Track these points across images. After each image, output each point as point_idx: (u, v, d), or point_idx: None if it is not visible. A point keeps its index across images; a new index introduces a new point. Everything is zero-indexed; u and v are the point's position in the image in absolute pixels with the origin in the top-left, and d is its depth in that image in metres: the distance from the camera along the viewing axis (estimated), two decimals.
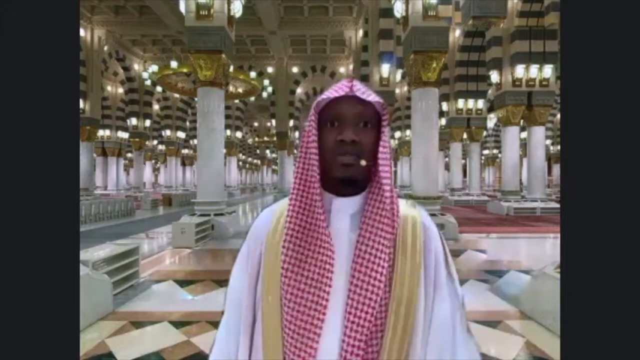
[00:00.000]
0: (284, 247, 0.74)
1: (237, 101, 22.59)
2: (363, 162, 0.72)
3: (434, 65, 8.68)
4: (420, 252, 0.75)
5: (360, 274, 0.71)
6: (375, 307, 0.70)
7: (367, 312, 0.70)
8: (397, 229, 0.74)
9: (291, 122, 22.33)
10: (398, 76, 14.43)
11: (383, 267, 0.71)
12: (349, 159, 0.71)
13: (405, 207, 0.79)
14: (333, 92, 0.73)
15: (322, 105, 0.74)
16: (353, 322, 0.70)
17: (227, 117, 17.41)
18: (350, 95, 0.73)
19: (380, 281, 0.70)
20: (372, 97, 0.73)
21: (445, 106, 17.70)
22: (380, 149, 0.73)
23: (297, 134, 24.17)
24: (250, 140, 44.89)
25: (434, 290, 0.75)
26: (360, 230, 0.74)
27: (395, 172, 31.51)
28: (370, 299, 0.70)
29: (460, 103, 17.71)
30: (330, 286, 0.71)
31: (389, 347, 0.70)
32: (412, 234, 0.76)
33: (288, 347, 0.71)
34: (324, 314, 0.70)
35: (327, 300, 0.70)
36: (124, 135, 23.64)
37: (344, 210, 0.76)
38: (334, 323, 0.71)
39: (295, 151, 22.65)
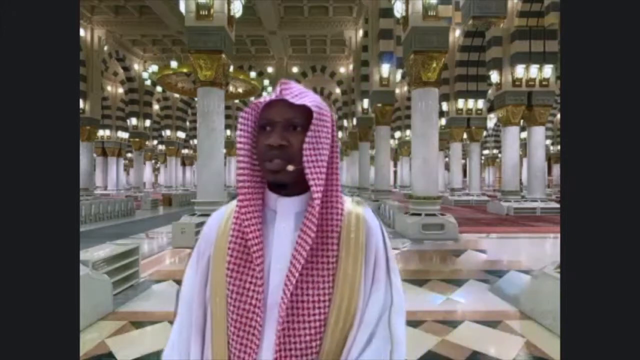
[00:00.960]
0: (229, 248, 0.77)
1: (237, 101, 22.58)
2: (289, 167, 0.73)
3: (434, 65, 8.68)
4: (363, 249, 0.76)
5: (291, 273, 0.73)
6: (288, 299, 0.73)
7: (283, 299, 0.73)
8: (339, 227, 0.76)
9: None
10: (398, 76, 14.42)
11: (301, 263, 0.72)
12: (276, 165, 0.72)
13: (350, 205, 0.81)
14: (267, 96, 0.76)
15: (254, 110, 0.77)
16: (288, 321, 0.72)
17: (227, 117, 17.42)
18: (281, 99, 0.73)
19: (321, 277, 0.74)
20: (302, 100, 0.73)
21: (445, 106, 17.69)
22: (304, 151, 0.72)
23: None
24: None
25: (371, 287, 0.77)
26: (299, 230, 0.75)
27: (395, 172, 31.55)
28: (293, 291, 0.73)
29: (460, 103, 17.70)
30: (261, 285, 0.73)
31: (328, 343, 0.72)
32: (355, 231, 0.77)
33: (233, 346, 0.74)
34: (262, 311, 0.73)
35: (259, 299, 0.73)
36: (124, 135, 23.63)
37: (288, 210, 0.78)
38: (274, 322, 0.73)
39: None
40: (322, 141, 0.74)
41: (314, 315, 0.72)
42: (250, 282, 0.74)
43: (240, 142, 0.76)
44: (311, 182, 0.72)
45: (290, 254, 0.74)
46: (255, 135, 0.77)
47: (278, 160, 0.72)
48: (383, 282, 0.77)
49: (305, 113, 0.73)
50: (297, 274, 0.72)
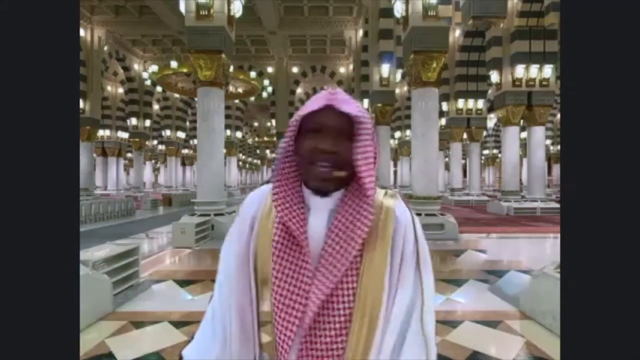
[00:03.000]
0: (274, 240, 0.79)
1: (237, 101, 22.59)
2: (339, 173, 0.76)
3: (434, 65, 8.68)
4: (389, 242, 0.77)
5: (322, 265, 0.75)
6: (321, 296, 0.75)
7: (319, 290, 0.75)
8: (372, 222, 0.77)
9: None
10: (398, 76, 14.42)
11: (350, 257, 0.75)
12: (326, 173, 0.75)
13: (382, 197, 0.81)
14: (315, 103, 0.76)
15: (304, 113, 0.76)
16: (323, 308, 0.75)
17: (227, 117, 17.40)
18: (330, 105, 0.75)
19: (340, 270, 0.75)
20: (350, 108, 0.75)
21: (445, 106, 17.69)
22: (359, 156, 0.74)
23: None
24: (250, 140, 44.89)
25: (398, 279, 0.77)
26: (331, 225, 0.77)
27: (395, 172, 31.53)
28: (323, 291, 0.75)
29: (460, 103, 17.70)
30: (309, 276, 0.75)
31: (355, 339, 0.73)
32: (383, 224, 0.78)
33: (279, 318, 0.76)
34: (306, 298, 0.75)
35: (309, 284, 0.75)
36: (124, 135, 23.63)
37: (321, 208, 0.79)
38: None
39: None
40: (369, 148, 0.76)
41: (339, 309, 0.75)
42: (294, 270, 0.76)
43: (287, 148, 0.79)
44: (368, 185, 0.75)
45: (320, 249, 0.77)
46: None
47: (327, 165, 0.75)
48: (411, 279, 0.77)
49: (350, 121, 0.76)
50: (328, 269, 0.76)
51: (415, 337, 0.74)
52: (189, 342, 0.86)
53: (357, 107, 0.76)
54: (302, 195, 0.80)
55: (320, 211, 0.79)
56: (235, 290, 0.82)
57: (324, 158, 0.74)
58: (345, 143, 0.75)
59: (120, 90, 23.18)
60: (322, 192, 0.78)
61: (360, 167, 0.74)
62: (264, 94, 19.99)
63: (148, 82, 20.80)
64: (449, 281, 4.97)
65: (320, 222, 0.79)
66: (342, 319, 0.74)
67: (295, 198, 0.78)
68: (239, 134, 25.36)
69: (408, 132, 21.75)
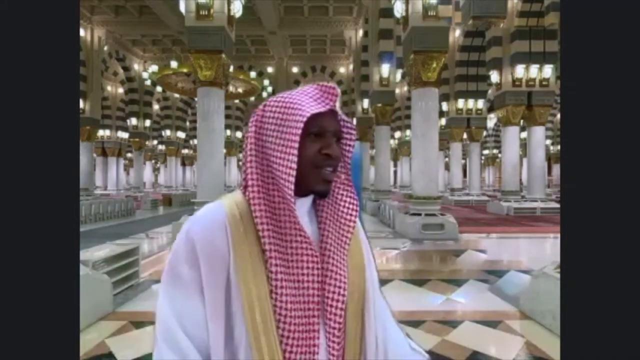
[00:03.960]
0: (271, 257, 0.70)
1: (237, 101, 22.57)
2: (341, 176, 0.79)
3: (434, 65, 8.68)
4: (359, 233, 0.84)
5: (329, 268, 0.75)
6: (343, 295, 0.75)
7: (341, 295, 0.74)
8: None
9: None
10: (398, 76, 14.41)
11: (345, 257, 0.76)
12: (331, 176, 0.75)
13: None
14: (319, 100, 0.73)
15: (308, 115, 0.71)
16: (329, 310, 0.73)
17: (227, 117, 17.38)
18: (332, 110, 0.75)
19: (344, 271, 0.76)
20: (342, 115, 0.78)
21: (445, 106, 17.68)
22: (346, 163, 0.80)
23: None
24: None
25: (367, 260, 0.84)
26: (323, 226, 0.78)
27: (395, 172, 31.54)
28: (340, 287, 0.74)
29: (460, 103, 17.70)
30: (318, 282, 0.73)
31: (351, 323, 0.76)
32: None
33: (292, 355, 0.69)
34: (318, 310, 0.72)
35: (318, 296, 0.72)
36: (124, 135, 23.62)
37: (302, 209, 0.78)
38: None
39: None
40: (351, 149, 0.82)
41: (338, 301, 0.75)
42: (296, 288, 0.71)
43: (292, 146, 0.71)
44: (349, 190, 0.79)
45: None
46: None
47: (332, 170, 0.75)
48: (371, 258, 0.86)
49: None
50: (334, 272, 0.75)
51: (383, 304, 0.87)
52: None
53: (343, 115, 0.79)
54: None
55: (301, 212, 0.78)
56: None
57: (330, 163, 0.74)
58: (338, 147, 0.78)
59: (120, 90, 23.17)
60: (322, 194, 0.78)
61: (349, 168, 0.80)
62: (264, 94, 19.97)
63: (148, 82, 20.78)
64: (449, 281, 4.97)
65: (304, 221, 0.77)
66: (341, 313, 0.75)
67: (291, 208, 0.72)
68: (239, 134, 25.37)
69: (408, 132, 21.74)
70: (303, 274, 0.72)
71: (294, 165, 0.70)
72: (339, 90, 0.76)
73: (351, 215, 0.78)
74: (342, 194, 0.79)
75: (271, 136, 0.73)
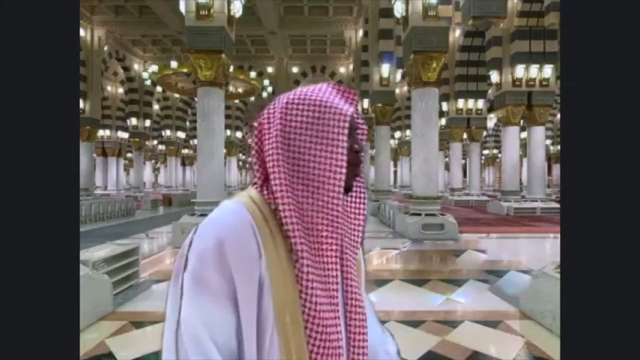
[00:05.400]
0: (303, 257, 0.68)
1: (237, 101, 22.57)
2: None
3: (434, 65, 8.68)
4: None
5: (348, 269, 0.75)
6: (360, 288, 0.77)
7: (359, 298, 0.76)
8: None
9: None
10: (398, 76, 14.41)
11: (358, 250, 0.79)
12: (360, 171, 0.78)
13: None
14: (343, 101, 0.76)
15: (348, 117, 0.72)
16: (351, 312, 0.74)
17: (227, 117, 17.38)
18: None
19: (356, 262, 0.78)
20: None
21: (445, 106, 17.68)
22: (362, 158, 0.81)
23: None
24: (250, 140, 44.97)
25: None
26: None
27: (395, 172, 31.53)
28: (358, 290, 0.76)
29: (460, 103, 17.69)
30: (337, 283, 0.73)
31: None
32: None
33: (318, 356, 0.68)
34: (338, 309, 0.72)
35: (337, 297, 0.72)
36: (124, 135, 23.62)
37: None
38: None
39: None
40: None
41: (361, 299, 0.77)
42: (325, 282, 0.71)
43: (342, 144, 0.72)
44: (359, 182, 0.81)
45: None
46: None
47: (359, 165, 0.78)
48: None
49: None
50: (352, 270, 0.76)
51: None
52: None
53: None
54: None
55: None
56: None
57: (360, 159, 0.77)
58: None
59: (120, 90, 23.17)
60: (349, 189, 0.80)
61: (362, 171, 0.81)
62: (264, 94, 19.99)
63: (148, 82, 20.78)
64: (449, 281, 4.97)
65: None
66: (363, 317, 0.76)
67: (337, 204, 0.73)
68: (239, 134, 25.37)
69: (408, 132, 21.74)
70: (326, 275, 0.71)
71: (344, 164, 0.71)
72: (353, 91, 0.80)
73: (360, 208, 0.80)
74: (355, 190, 0.81)
75: (305, 135, 0.71)
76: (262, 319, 0.66)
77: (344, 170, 0.70)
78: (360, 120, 0.82)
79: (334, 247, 0.71)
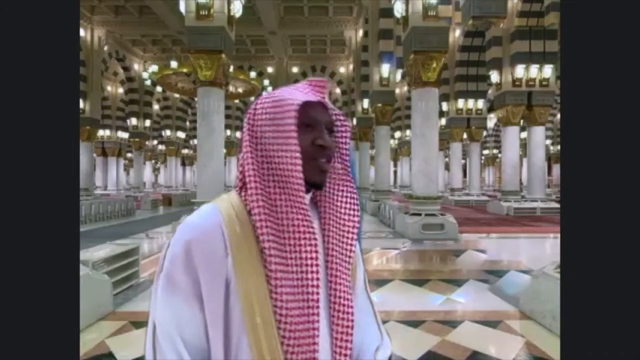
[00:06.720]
0: (271, 255, 0.69)
1: (237, 101, 22.57)
2: (329, 166, 0.77)
3: (434, 65, 8.68)
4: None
5: (335, 268, 0.75)
6: (349, 291, 0.74)
7: (347, 299, 0.74)
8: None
9: None
10: (398, 76, 14.40)
11: (350, 257, 0.76)
12: (327, 166, 0.75)
13: None
14: (309, 94, 0.75)
15: (297, 106, 0.72)
16: (338, 311, 0.73)
17: (227, 117, 17.40)
18: (320, 102, 0.76)
19: (348, 269, 0.76)
20: (332, 106, 0.79)
21: (445, 106, 17.68)
22: (344, 151, 0.80)
23: None
24: None
25: (357, 258, 0.84)
26: (326, 225, 0.77)
27: (395, 172, 31.54)
28: (345, 290, 0.74)
29: (460, 103, 17.70)
30: (318, 279, 0.71)
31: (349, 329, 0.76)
32: None
33: (294, 356, 0.68)
34: (318, 308, 0.70)
35: (318, 294, 0.70)
36: (124, 135, 23.62)
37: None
38: (322, 316, 0.72)
39: None
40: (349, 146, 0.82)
41: (349, 300, 0.75)
42: (296, 286, 0.69)
43: (291, 136, 0.71)
44: (349, 180, 0.79)
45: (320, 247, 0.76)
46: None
47: (326, 160, 0.75)
48: (359, 254, 0.85)
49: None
50: (340, 267, 0.75)
51: (366, 301, 0.86)
52: None
53: (335, 108, 0.80)
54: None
55: None
56: None
57: (324, 153, 0.74)
58: (332, 139, 0.79)
59: (120, 90, 23.17)
60: (318, 186, 0.77)
61: (346, 161, 0.79)
62: (264, 94, 19.93)
63: (148, 82, 20.77)
64: (449, 281, 4.97)
65: None
66: (352, 309, 0.75)
67: (301, 201, 0.71)
68: (239, 134, 25.36)
69: (408, 132, 21.75)
70: (302, 272, 0.70)
71: (298, 155, 0.70)
72: (329, 84, 0.79)
73: (353, 209, 0.78)
74: (342, 190, 0.79)
75: (267, 132, 0.73)
76: (229, 318, 0.68)
77: (298, 162, 0.70)
78: (341, 117, 0.80)
79: (313, 242, 0.71)
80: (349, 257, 0.76)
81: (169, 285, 0.68)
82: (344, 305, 0.73)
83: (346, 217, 0.78)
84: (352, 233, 0.77)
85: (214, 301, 0.67)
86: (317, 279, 0.70)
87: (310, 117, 0.74)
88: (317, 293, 0.70)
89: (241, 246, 0.69)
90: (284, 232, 0.71)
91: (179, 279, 0.68)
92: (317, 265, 0.71)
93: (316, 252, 0.71)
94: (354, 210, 0.78)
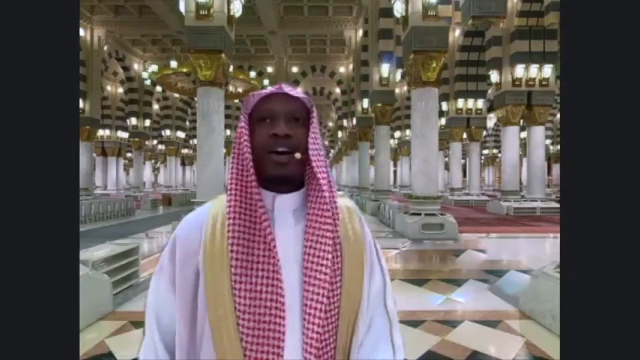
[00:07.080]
0: (232, 251, 0.71)
1: (237, 101, 22.58)
2: (298, 155, 0.73)
3: (434, 65, 8.67)
4: (363, 240, 0.80)
5: (310, 270, 0.73)
6: (324, 300, 0.71)
7: (320, 303, 0.72)
8: (339, 221, 0.76)
9: None
10: (398, 76, 14.40)
11: (328, 259, 0.72)
12: (283, 158, 0.73)
13: (339, 199, 0.81)
14: (263, 91, 0.77)
15: (252, 103, 0.77)
16: (309, 314, 0.71)
17: (227, 117, 17.40)
18: (279, 93, 0.75)
19: (326, 274, 0.72)
20: (300, 94, 0.77)
21: (445, 106, 17.67)
22: (311, 141, 0.75)
23: None
24: None
25: (371, 267, 0.81)
26: (306, 226, 0.75)
27: (395, 172, 31.54)
28: (319, 293, 0.72)
29: (460, 103, 17.69)
30: (281, 281, 0.71)
31: (344, 336, 0.75)
32: (351, 224, 0.80)
33: (252, 353, 0.69)
34: (283, 311, 0.70)
35: (283, 296, 0.70)
36: (124, 135, 23.62)
37: (286, 208, 0.77)
38: (294, 320, 0.71)
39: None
40: (319, 135, 0.79)
41: (330, 311, 0.73)
42: (266, 284, 0.70)
43: (242, 138, 0.74)
44: (320, 175, 0.74)
45: (295, 252, 0.74)
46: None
47: (285, 150, 0.73)
48: (377, 266, 0.82)
49: (303, 108, 0.77)
50: (314, 272, 0.73)
51: (381, 316, 0.80)
52: None
53: (306, 96, 0.78)
54: (261, 198, 0.74)
55: (285, 211, 0.76)
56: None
57: (281, 143, 0.73)
58: (300, 128, 0.76)
59: (120, 90, 23.17)
60: (284, 190, 0.75)
61: (314, 159, 0.74)
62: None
63: (148, 82, 20.76)
64: (449, 281, 4.97)
65: (288, 221, 0.76)
66: (333, 319, 0.73)
67: (257, 201, 0.72)
68: None
69: (408, 132, 21.74)
70: (264, 270, 0.71)
71: (249, 150, 0.73)
72: (299, 88, 0.80)
73: (327, 210, 0.74)
74: (324, 189, 0.74)
75: (241, 132, 0.76)
76: (196, 306, 0.73)
77: (249, 159, 0.72)
78: (305, 101, 0.77)
79: (272, 245, 0.71)
80: (326, 259, 0.72)
81: (159, 269, 0.79)
82: (315, 308, 0.71)
83: (322, 219, 0.74)
84: (327, 237, 0.73)
85: (182, 290, 0.74)
86: (280, 279, 0.70)
87: (264, 110, 0.75)
88: (282, 296, 0.70)
89: (214, 242, 0.73)
90: (254, 235, 0.72)
91: (165, 267, 0.77)
92: (274, 271, 0.71)
93: (274, 257, 0.71)
94: (331, 210, 0.74)
